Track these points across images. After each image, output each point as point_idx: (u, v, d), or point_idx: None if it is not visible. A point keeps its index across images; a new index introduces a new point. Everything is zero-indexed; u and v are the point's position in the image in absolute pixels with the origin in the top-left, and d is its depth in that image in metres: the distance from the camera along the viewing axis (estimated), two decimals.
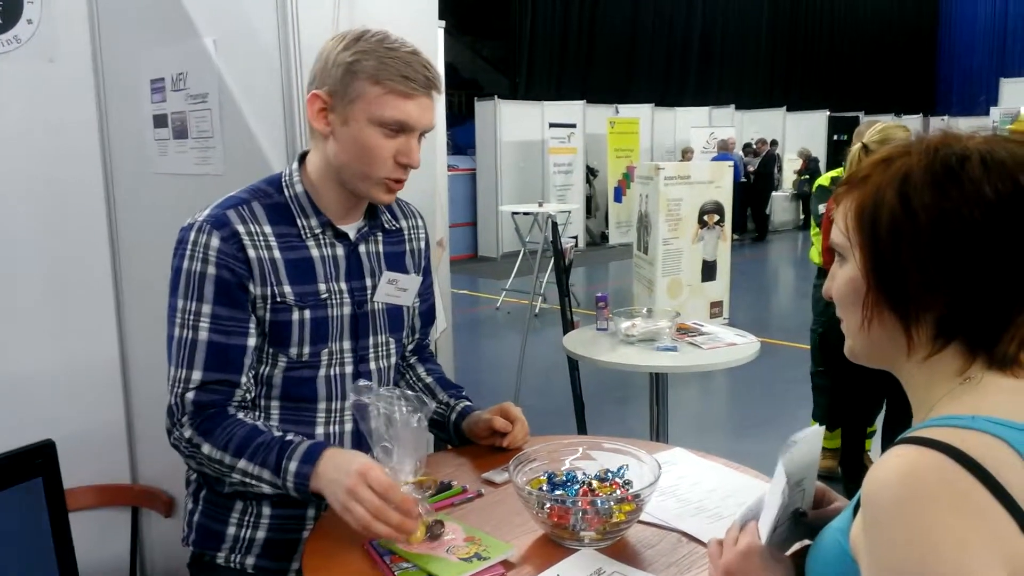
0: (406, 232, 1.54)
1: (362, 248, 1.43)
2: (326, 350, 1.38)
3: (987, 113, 13.54)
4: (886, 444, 3.24)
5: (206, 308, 1.30)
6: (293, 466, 1.26)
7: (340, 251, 1.40)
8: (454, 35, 13.18)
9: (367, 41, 1.29)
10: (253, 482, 1.30)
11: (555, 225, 3.83)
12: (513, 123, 11.66)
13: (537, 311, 7.17)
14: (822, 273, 3.71)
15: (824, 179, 3.86)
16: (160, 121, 2.04)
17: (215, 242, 1.30)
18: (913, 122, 15.22)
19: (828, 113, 16.33)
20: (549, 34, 14.79)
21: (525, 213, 8.44)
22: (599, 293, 3.12)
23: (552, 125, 11.92)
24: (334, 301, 1.38)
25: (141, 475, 2.20)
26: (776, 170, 14.24)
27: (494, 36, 14.86)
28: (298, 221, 1.37)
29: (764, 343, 2.89)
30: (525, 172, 11.83)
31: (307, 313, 1.35)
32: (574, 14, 15.04)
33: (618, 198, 12.22)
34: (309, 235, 1.37)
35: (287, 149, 1.79)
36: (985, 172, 0.76)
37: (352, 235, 1.42)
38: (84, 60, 2.07)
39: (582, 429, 3.52)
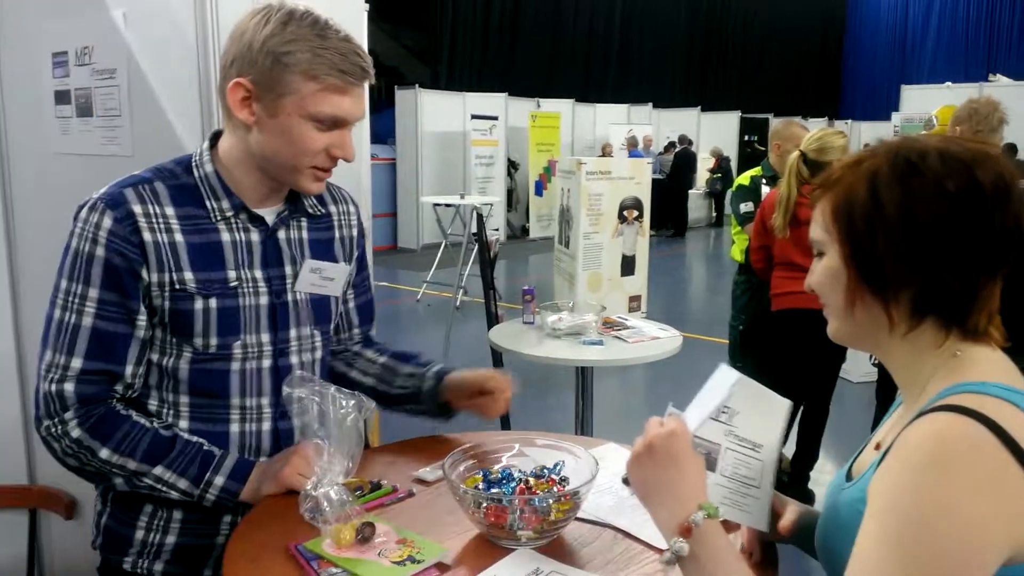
0: (335, 218, 1.45)
1: (281, 234, 1.35)
2: (238, 342, 1.29)
3: (888, 119, 14.20)
4: (803, 440, 3.34)
5: (92, 292, 1.21)
6: (220, 480, 1.26)
7: (255, 237, 1.31)
8: (375, 21, 12.90)
9: (297, 26, 1.20)
10: (163, 488, 1.26)
11: (480, 217, 3.79)
12: (434, 113, 11.54)
13: (458, 303, 7.13)
14: (743, 270, 3.79)
15: (744, 178, 3.95)
16: (62, 97, 1.91)
17: (107, 223, 1.21)
18: (819, 125, 15.83)
19: (740, 114, 16.84)
20: (471, 25, 14.70)
21: (447, 205, 8.36)
22: (525, 287, 3.10)
23: (474, 117, 11.85)
24: (246, 290, 1.29)
25: (40, 475, 2.06)
26: (691, 168, 14.57)
27: (415, 25, 14.66)
28: (207, 203, 1.28)
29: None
30: (446, 163, 11.73)
31: (212, 302, 1.26)
32: (496, 5, 15.02)
33: (539, 192, 12.28)
34: (219, 218, 1.29)
35: (203, 130, 1.70)
36: (943, 164, 0.86)
37: (270, 220, 1.33)
38: None
39: (506, 423, 3.50)
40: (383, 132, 12.13)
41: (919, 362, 0.91)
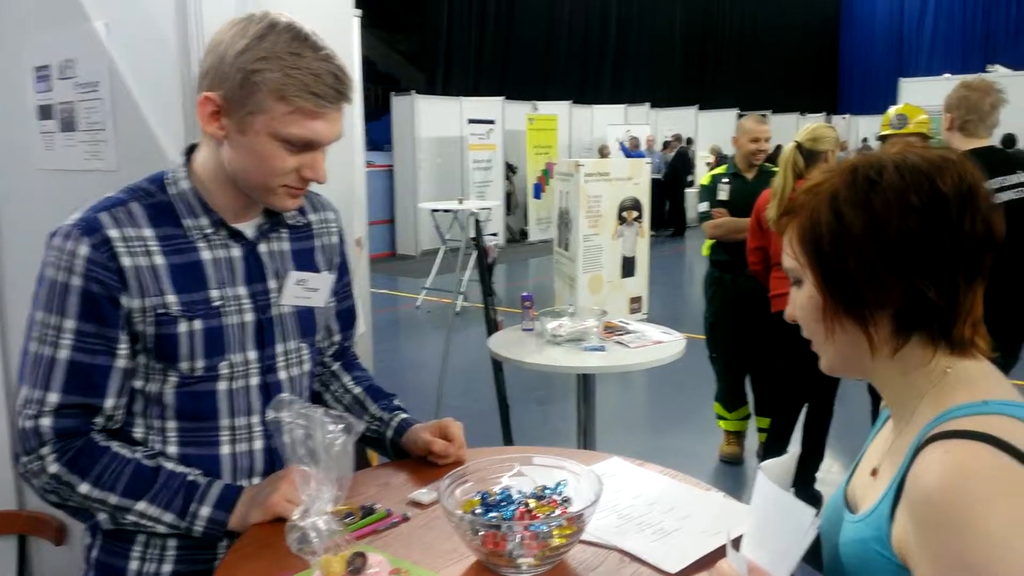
0: (315, 227, 1.41)
1: (262, 247, 1.31)
2: (224, 363, 1.25)
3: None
4: (808, 439, 3.30)
5: (69, 323, 1.16)
6: (206, 511, 1.21)
7: (236, 252, 1.27)
8: (369, 28, 12.89)
9: (273, 43, 1.14)
10: (147, 523, 1.21)
11: (479, 223, 3.74)
12: (431, 119, 11.50)
13: (458, 309, 7.08)
14: (709, 264, 4.03)
15: (706, 179, 4.10)
16: (45, 112, 1.86)
17: (83, 250, 1.15)
18: (817, 121, 15.78)
19: (738, 111, 16.78)
20: (466, 29, 14.67)
21: (445, 210, 8.32)
22: (524, 292, 3.05)
23: (471, 121, 11.82)
24: (229, 308, 1.25)
25: (29, 500, 2.01)
26: (688, 167, 14.50)
27: (410, 31, 14.66)
28: (184, 221, 1.23)
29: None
30: (444, 168, 11.69)
31: (197, 323, 1.22)
32: (491, 10, 14.98)
33: (537, 194, 12.24)
34: (199, 236, 1.24)
35: (186, 142, 1.65)
36: (901, 178, 0.84)
37: (250, 234, 1.29)
38: None
39: (507, 433, 3.45)
40: (380, 139, 12.11)
41: (909, 382, 0.89)
